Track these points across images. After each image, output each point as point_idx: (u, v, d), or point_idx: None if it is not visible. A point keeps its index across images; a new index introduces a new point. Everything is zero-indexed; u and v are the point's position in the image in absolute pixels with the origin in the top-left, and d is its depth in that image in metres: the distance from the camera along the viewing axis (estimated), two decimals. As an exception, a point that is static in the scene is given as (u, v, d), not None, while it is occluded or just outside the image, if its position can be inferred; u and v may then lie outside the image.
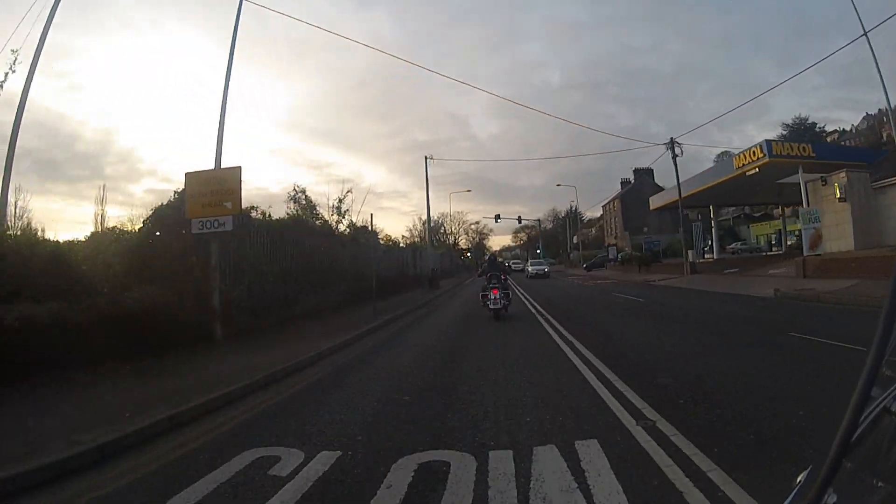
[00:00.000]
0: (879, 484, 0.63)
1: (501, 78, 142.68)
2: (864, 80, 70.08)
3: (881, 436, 0.69)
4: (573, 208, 65.51)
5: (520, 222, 51.26)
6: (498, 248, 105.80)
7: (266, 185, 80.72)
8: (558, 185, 52.77)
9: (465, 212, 69.46)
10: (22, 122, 8.79)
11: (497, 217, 49.93)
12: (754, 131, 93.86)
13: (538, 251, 55.50)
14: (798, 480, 0.78)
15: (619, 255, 36.91)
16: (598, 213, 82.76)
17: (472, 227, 71.25)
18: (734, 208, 71.68)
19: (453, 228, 67.41)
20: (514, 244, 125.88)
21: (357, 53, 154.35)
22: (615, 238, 59.47)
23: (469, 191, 69.97)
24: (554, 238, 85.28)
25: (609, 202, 62.47)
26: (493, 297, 11.01)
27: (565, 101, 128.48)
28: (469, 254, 56.79)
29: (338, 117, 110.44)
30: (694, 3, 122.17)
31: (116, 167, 51.89)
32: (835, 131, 50.61)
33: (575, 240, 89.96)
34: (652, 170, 63.36)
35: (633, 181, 68.18)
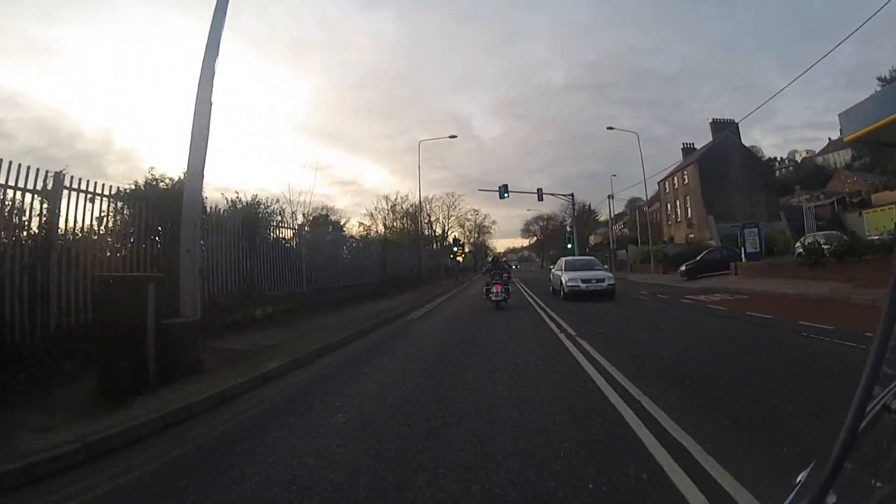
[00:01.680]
0: (878, 484, 0.62)
1: (505, 78, 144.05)
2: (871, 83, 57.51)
3: (881, 434, 0.67)
4: (610, 201, 45.05)
5: (540, 198, 30.43)
6: (502, 251, 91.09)
7: (267, 187, 76.16)
8: (610, 128, 30.24)
9: (456, 194, 49.43)
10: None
11: (503, 189, 29.23)
12: (758, 135, 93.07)
13: (569, 246, 34.47)
14: (798, 480, 0.76)
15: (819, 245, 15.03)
16: (605, 215, 62.89)
17: (470, 215, 50.68)
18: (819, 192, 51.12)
19: (441, 215, 46.87)
20: (524, 243, 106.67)
21: (359, 53, 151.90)
22: (689, 226, 38.33)
23: (455, 136, 40.58)
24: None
25: (673, 175, 41.33)
26: (495, 290, 11.61)
27: (569, 103, 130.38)
28: (459, 249, 35.94)
29: (339, 118, 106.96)
30: (698, 5, 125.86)
31: (118, 166, 48.79)
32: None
33: (592, 240, 68.90)
34: (737, 124, 42.66)
35: (693, 149, 47.26)
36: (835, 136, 60.88)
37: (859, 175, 48.87)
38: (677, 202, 41.14)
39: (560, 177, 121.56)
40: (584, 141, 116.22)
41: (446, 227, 46.47)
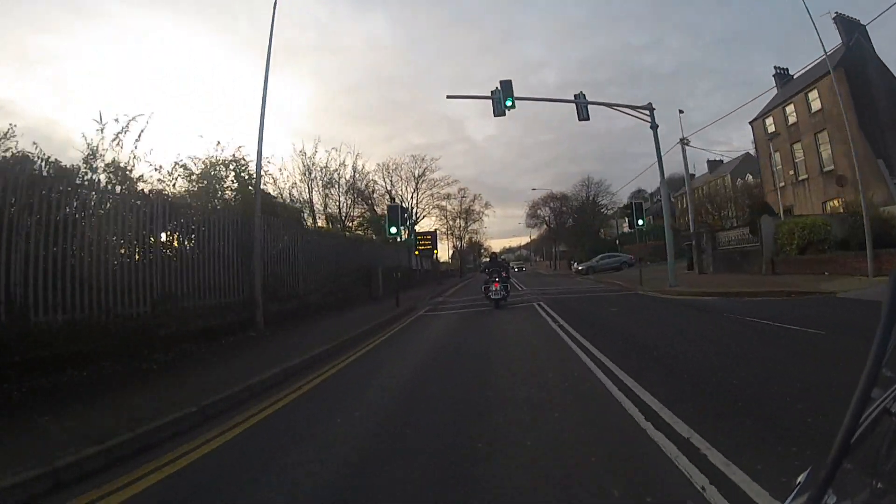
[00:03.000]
0: (879, 485, 0.62)
1: (499, 79, 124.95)
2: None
3: (880, 437, 0.67)
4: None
5: (584, 116, 14.28)
6: (497, 250, 77.62)
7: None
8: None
9: (427, 157, 33.28)
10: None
11: (500, 93, 13.05)
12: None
13: (639, 223, 17.85)
14: (798, 481, 0.76)
15: None
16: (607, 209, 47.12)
17: (453, 189, 34.57)
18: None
19: (407, 189, 30.70)
20: (521, 242, 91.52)
21: (352, 56, 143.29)
22: (840, 184, 21.96)
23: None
24: (583, 227, 48.35)
25: (784, 104, 24.89)
26: (494, 289, 11.81)
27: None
28: (428, 245, 19.52)
29: (335, 121, 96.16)
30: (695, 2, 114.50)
31: (110, 175, 32.96)
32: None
33: (602, 233, 52.32)
34: (866, 28, 26.76)
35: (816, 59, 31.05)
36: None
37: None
38: (796, 147, 24.79)
39: (557, 175, 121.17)
40: (582, 140, 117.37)
41: (414, 208, 29.77)
